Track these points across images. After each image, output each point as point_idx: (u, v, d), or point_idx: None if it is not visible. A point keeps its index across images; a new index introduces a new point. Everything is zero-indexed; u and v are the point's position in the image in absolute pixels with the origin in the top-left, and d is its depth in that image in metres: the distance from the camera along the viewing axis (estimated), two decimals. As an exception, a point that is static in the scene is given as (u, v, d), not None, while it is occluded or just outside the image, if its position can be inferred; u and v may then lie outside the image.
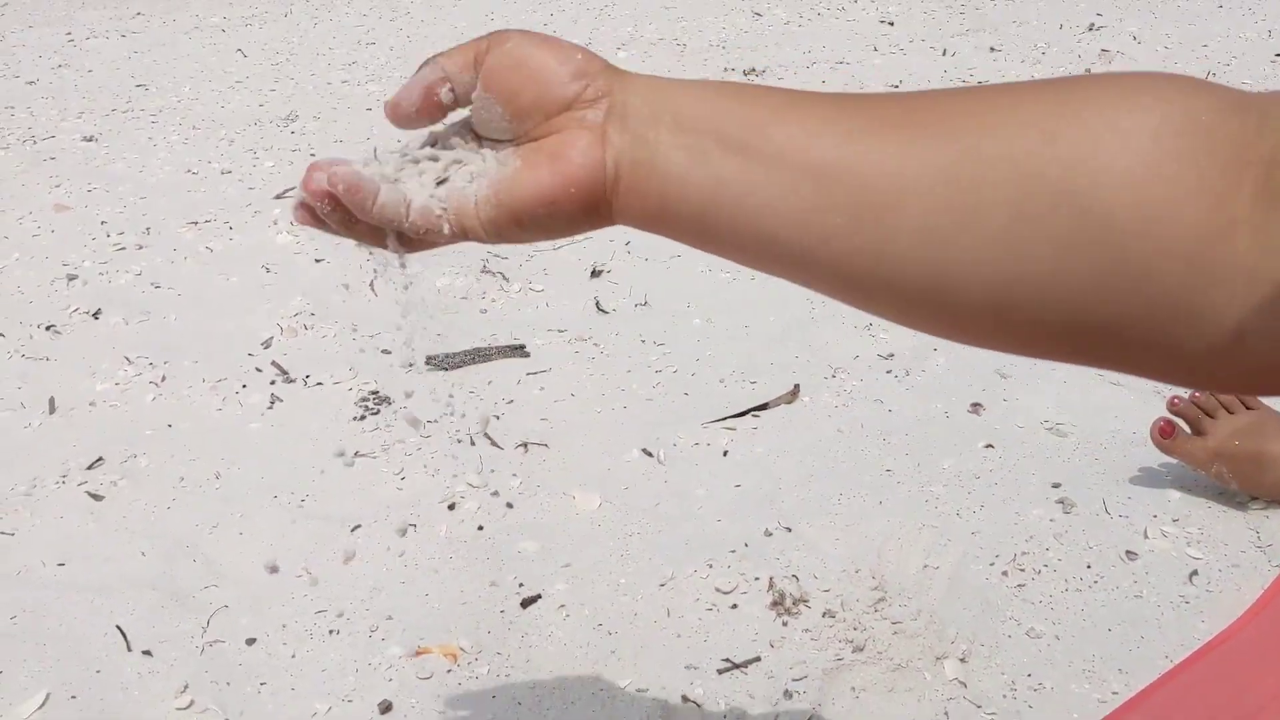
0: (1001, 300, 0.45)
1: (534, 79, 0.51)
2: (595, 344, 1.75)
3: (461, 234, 0.53)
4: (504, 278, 1.98)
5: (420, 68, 0.53)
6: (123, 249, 2.12)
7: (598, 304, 1.88)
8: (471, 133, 0.55)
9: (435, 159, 0.55)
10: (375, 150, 0.57)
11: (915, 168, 0.45)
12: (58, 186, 2.43)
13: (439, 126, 0.56)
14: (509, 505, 1.37)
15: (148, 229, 2.21)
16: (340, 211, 0.53)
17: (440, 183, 0.54)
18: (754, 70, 3.06)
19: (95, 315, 1.87)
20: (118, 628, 1.18)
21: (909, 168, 0.45)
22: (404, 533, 1.32)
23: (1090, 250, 0.43)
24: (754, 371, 1.65)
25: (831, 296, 0.49)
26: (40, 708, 1.09)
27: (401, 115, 0.54)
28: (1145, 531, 1.27)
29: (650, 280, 1.96)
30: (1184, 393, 1.36)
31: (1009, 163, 0.43)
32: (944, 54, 3.07)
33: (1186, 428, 1.33)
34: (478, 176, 0.53)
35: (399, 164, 0.55)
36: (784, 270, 0.50)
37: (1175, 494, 1.33)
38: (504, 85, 0.51)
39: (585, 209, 0.51)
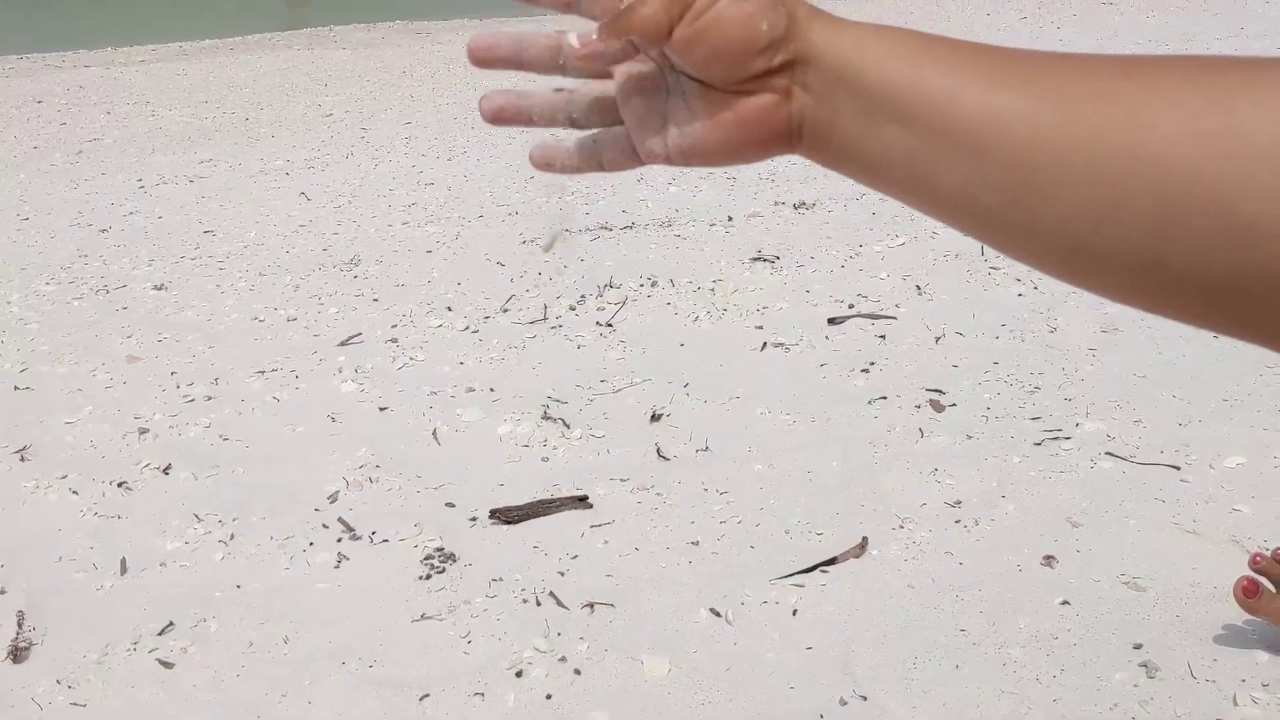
0: (1142, 277, 0.49)
1: (726, 53, 0.54)
2: (658, 493, 1.75)
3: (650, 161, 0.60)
4: (565, 424, 1.99)
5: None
6: (192, 400, 2.17)
7: (659, 450, 1.88)
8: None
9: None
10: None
11: (1069, 159, 0.49)
12: (129, 337, 2.50)
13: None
14: (577, 671, 1.35)
15: (216, 379, 2.26)
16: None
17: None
18: (804, 204, 3.11)
19: (165, 471, 1.90)
20: (189, 808, 1.18)
21: (1063, 159, 0.49)
22: (473, 703, 1.31)
23: (1231, 249, 0.45)
24: (819, 521, 1.64)
25: (987, 245, 0.55)
26: None
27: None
28: (1235, 698, 1.23)
29: (710, 424, 1.96)
30: (1265, 549, 1.32)
31: (1158, 164, 0.47)
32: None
33: (1270, 586, 1.29)
34: (666, 123, 0.57)
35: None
36: (944, 221, 0.55)
37: (1263, 655, 1.29)
38: (693, 56, 0.55)
39: (769, 152, 0.58)
